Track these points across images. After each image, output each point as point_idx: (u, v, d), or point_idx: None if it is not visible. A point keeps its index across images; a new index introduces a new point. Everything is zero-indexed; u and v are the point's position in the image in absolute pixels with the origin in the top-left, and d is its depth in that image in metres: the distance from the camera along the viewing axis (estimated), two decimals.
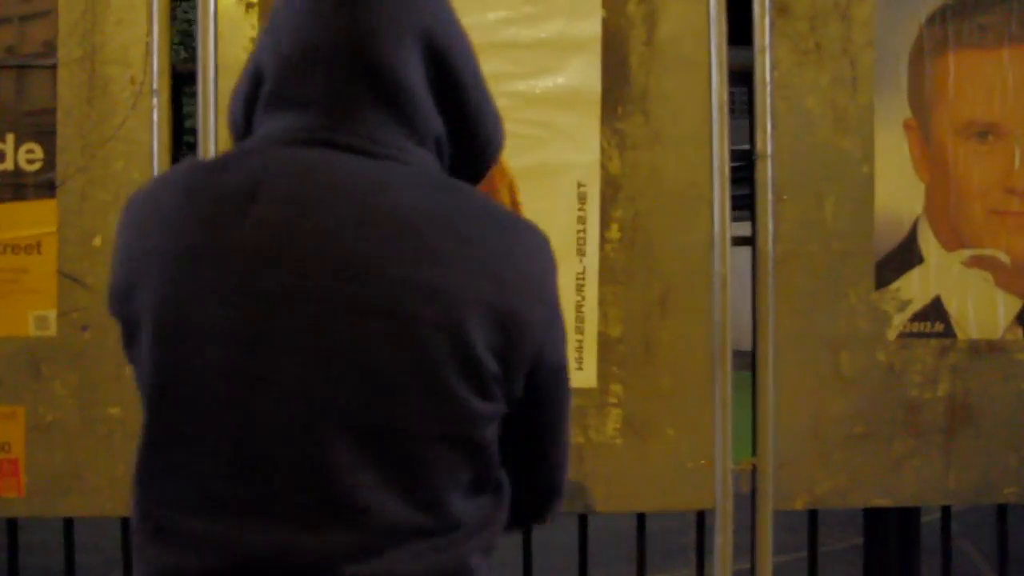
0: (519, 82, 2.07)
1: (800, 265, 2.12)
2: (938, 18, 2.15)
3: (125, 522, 2.11)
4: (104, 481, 2.05)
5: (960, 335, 2.17)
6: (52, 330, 2.04)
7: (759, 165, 2.10)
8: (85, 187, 2.05)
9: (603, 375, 2.09)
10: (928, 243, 2.16)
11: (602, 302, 2.10)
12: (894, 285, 2.16)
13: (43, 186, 2.02)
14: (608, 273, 2.09)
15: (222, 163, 1.01)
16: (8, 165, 2.02)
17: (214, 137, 2.01)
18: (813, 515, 2.21)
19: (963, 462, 2.18)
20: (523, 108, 2.08)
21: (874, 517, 2.40)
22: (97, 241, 2.05)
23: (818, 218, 2.13)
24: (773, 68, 2.10)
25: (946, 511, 2.33)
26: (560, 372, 1.08)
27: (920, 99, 2.15)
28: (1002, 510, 2.27)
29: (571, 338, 2.08)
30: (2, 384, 2.04)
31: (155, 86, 2.03)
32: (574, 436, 2.08)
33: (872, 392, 2.14)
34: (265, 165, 0.97)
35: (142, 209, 1.01)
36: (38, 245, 2.03)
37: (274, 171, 0.96)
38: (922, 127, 2.15)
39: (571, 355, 2.01)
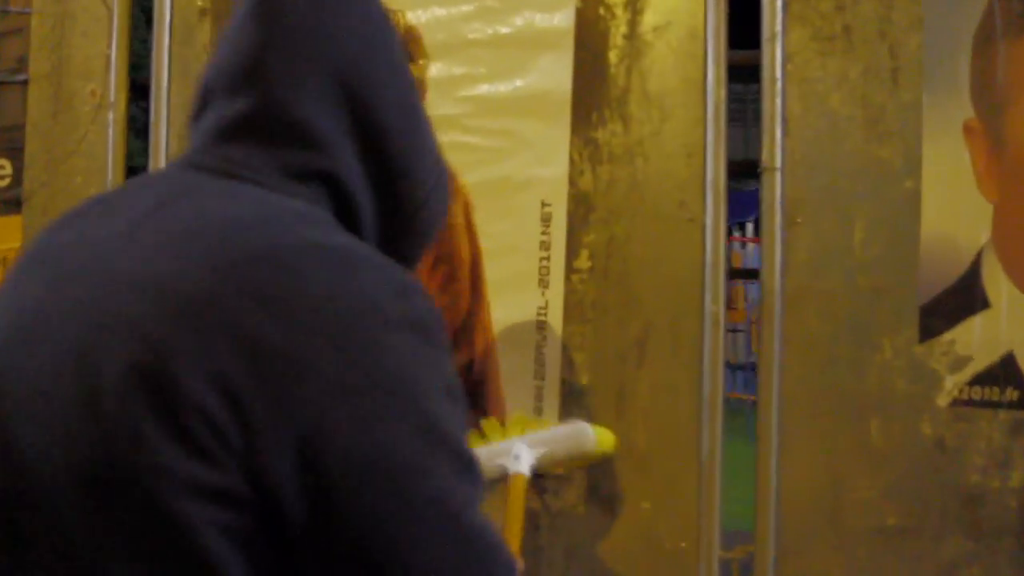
0: (478, 85, 1.78)
1: (818, 305, 1.66)
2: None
3: None
4: None
5: None
6: None
7: (766, 180, 1.66)
8: (47, 202, 2.00)
9: None
10: (997, 282, 1.61)
11: (567, 344, 1.75)
12: (947, 336, 1.62)
13: (10, 202, 2.01)
14: (575, 309, 1.76)
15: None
16: None
17: (165, 146, 1.89)
18: None
19: None
20: (481, 115, 1.79)
21: None
22: None
23: (843, 246, 1.65)
24: (786, 60, 1.67)
25: None
26: (400, 481, 0.75)
27: (988, 95, 1.62)
28: None
29: (530, 385, 1.75)
30: None
31: (112, 99, 1.95)
32: (535, 503, 1.75)
33: (914, 474, 1.62)
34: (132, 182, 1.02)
35: None
36: (3, 261, 2.01)
37: (131, 184, 1.01)
38: (990, 131, 1.61)
39: (530, 403, 1.73)
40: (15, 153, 2.01)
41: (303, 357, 0.74)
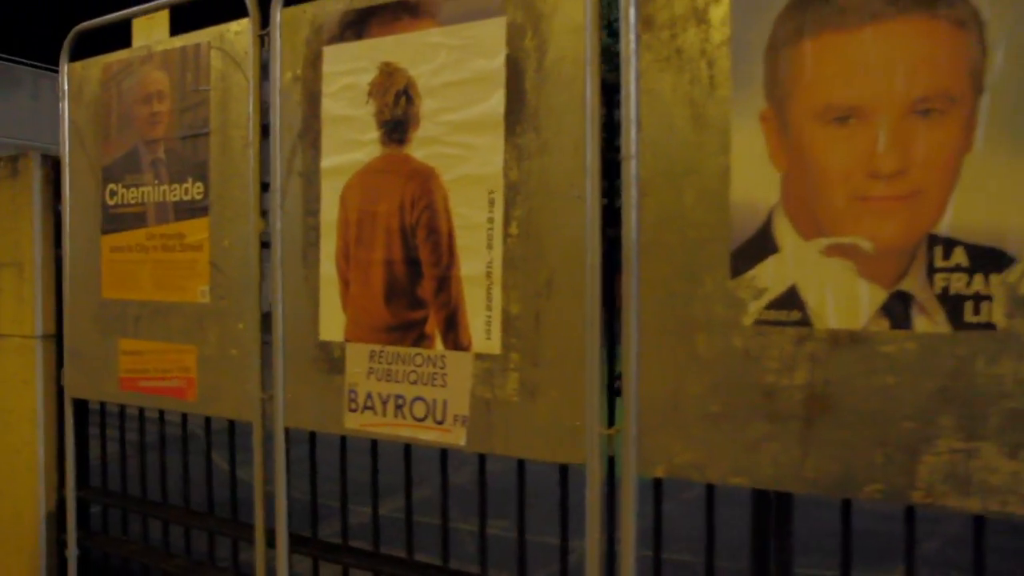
0: (449, 114, 2.17)
1: (660, 254, 1.88)
2: (794, 7, 1.78)
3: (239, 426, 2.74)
4: (234, 394, 2.67)
5: (818, 324, 1.77)
6: (208, 299, 2.73)
7: (625, 165, 1.94)
8: (221, 208, 2.70)
9: (505, 344, 2.09)
10: (784, 232, 1.79)
11: (505, 285, 2.10)
12: (749, 273, 1.83)
13: (202, 209, 2.72)
14: (509, 261, 2.09)
15: None
16: (189, 196, 2.76)
17: (280, 164, 2.53)
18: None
19: (822, 453, 1.77)
20: (453, 134, 2.20)
21: (760, 499, 2.02)
22: (226, 242, 2.69)
23: (677, 210, 1.87)
24: (639, 77, 1.95)
25: (847, 504, 1.89)
26: None
27: (776, 89, 1.78)
28: (846, 504, 1.82)
29: (482, 314, 2.19)
30: (184, 332, 2.80)
31: (251, 140, 2.61)
32: (486, 393, 2.17)
33: (728, 375, 1.82)
34: None
35: None
36: (201, 245, 2.74)
37: None
38: (778, 117, 1.77)
39: (483, 327, 2.16)
40: (205, 177, 2.72)
41: None
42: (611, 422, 2.04)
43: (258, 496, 2.61)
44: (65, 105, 3.03)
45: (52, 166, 3.26)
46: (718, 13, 1.85)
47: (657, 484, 2.08)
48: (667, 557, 2.20)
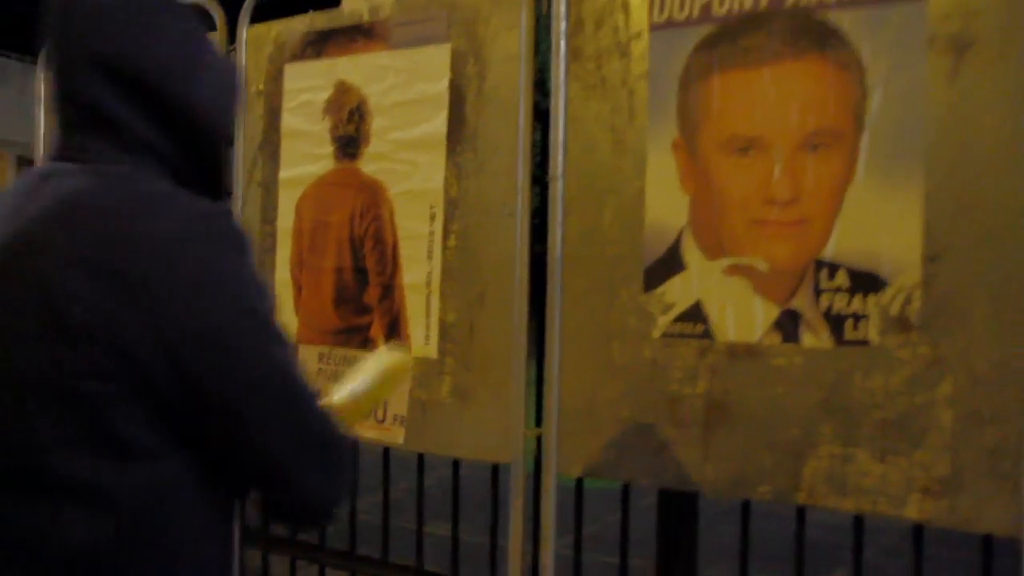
0: (397, 132, 2.36)
1: (582, 268, 2.06)
2: (705, 46, 1.97)
3: None
4: None
5: (719, 338, 1.95)
6: None
7: (552, 185, 2.12)
8: None
9: (442, 349, 2.27)
10: (691, 252, 1.97)
11: (443, 294, 2.28)
12: (659, 289, 2.01)
13: None
14: (447, 272, 2.27)
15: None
16: None
17: (241, 164, 2.72)
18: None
19: (720, 456, 1.95)
20: (399, 151, 2.37)
21: (669, 498, 2.21)
22: None
23: (598, 228, 2.05)
24: (567, 104, 2.13)
25: (746, 504, 2.08)
26: (228, 345, 0.94)
27: (687, 120, 1.97)
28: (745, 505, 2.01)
29: (422, 320, 2.38)
30: None
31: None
32: (422, 395, 2.36)
33: (638, 382, 2.00)
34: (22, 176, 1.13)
35: None
36: None
37: (16, 182, 1.11)
38: (688, 145, 1.96)
39: (423, 333, 2.35)
40: None
41: (152, 272, 0.92)
42: (539, 424, 2.22)
43: None
44: (40, 109, 3.20)
45: (29, 166, 3.43)
46: (639, 47, 2.04)
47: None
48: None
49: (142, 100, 1.04)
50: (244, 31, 2.66)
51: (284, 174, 2.62)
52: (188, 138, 1.06)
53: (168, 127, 1.05)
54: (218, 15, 2.71)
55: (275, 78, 2.63)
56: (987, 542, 1.86)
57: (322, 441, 0.99)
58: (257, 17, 2.65)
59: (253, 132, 2.67)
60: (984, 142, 1.70)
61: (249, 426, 0.95)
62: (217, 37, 2.74)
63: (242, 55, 2.67)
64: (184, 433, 0.93)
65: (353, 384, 1.40)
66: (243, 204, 2.68)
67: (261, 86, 2.66)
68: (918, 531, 1.93)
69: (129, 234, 0.93)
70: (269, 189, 2.64)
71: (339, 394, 1.35)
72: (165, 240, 0.94)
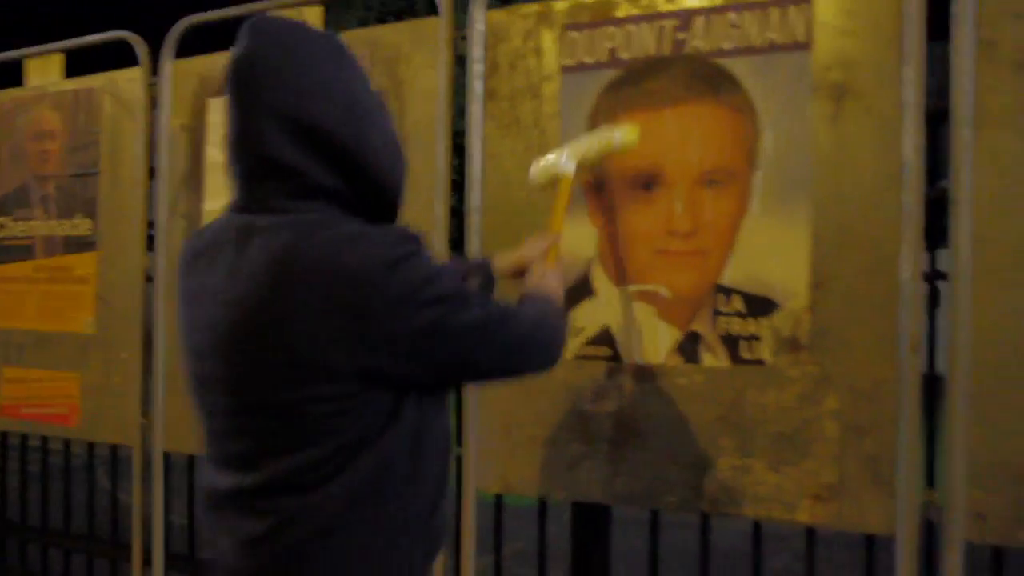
0: None
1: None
2: (612, 88, 2.13)
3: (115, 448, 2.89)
4: (116, 420, 2.84)
5: (626, 359, 2.10)
6: (93, 329, 2.93)
7: (470, 218, 2.26)
8: (108, 245, 2.92)
9: None
10: (600, 280, 2.10)
11: None
12: (571, 314, 2.16)
13: (90, 244, 2.92)
14: None
15: (207, 225, 1.29)
16: (77, 232, 2.96)
17: (165, 203, 2.77)
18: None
19: (629, 470, 2.09)
20: None
21: (581, 512, 2.35)
22: (112, 276, 2.89)
23: None
24: (484, 142, 2.27)
25: (655, 514, 2.22)
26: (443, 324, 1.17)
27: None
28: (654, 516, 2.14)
29: None
30: (69, 360, 2.98)
31: (140, 181, 2.84)
32: None
33: (552, 403, 2.12)
34: (216, 228, 1.24)
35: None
36: (88, 279, 2.94)
37: (215, 233, 1.23)
38: (596, 181, 2.13)
39: None
40: (93, 214, 2.85)
41: (356, 288, 1.09)
42: (459, 444, 2.32)
43: (136, 517, 2.79)
44: None
45: None
46: (550, 89, 2.19)
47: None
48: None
49: (321, 149, 1.15)
50: (168, 66, 2.72)
51: (208, 206, 2.67)
52: (364, 183, 1.20)
53: (345, 173, 1.18)
54: (141, 49, 2.76)
55: (199, 112, 2.69)
56: (869, 541, 2.03)
57: (525, 340, 1.29)
58: (182, 52, 2.70)
59: (177, 164, 2.71)
60: (862, 181, 1.88)
61: (480, 367, 1.25)
62: (140, 72, 2.79)
63: (165, 89, 2.72)
64: (428, 395, 1.21)
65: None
66: (167, 235, 2.72)
67: (186, 120, 2.71)
68: (811, 534, 2.10)
69: (340, 273, 1.10)
70: (193, 221, 2.69)
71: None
72: (370, 271, 1.11)
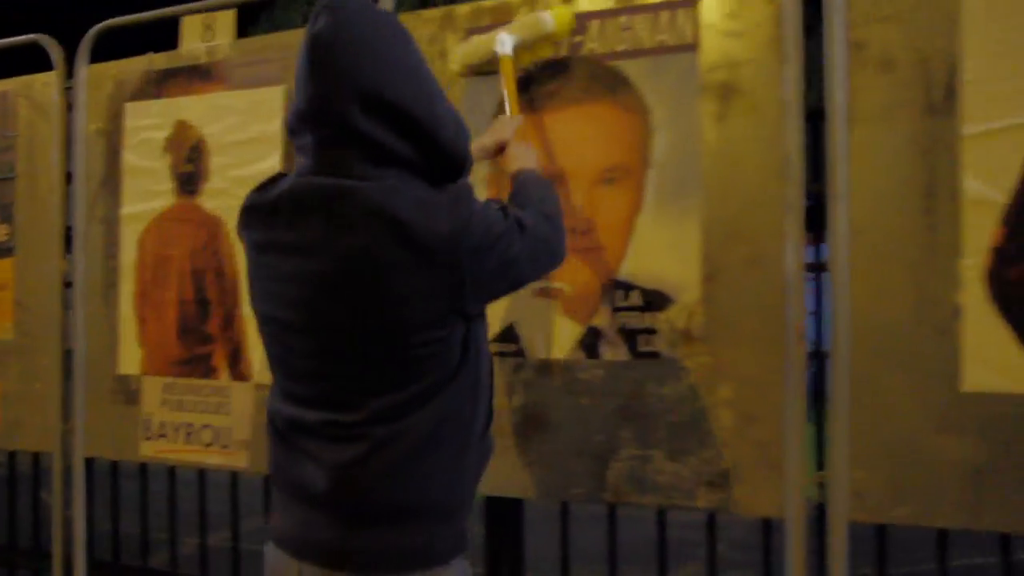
0: (235, 170, 2.48)
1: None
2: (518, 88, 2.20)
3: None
4: (36, 427, 2.83)
5: (531, 355, 2.16)
6: (12, 335, 2.92)
7: None
8: (26, 250, 2.91)
9: None
10: None
11: None
12: None
13: (8, 250, 2.91)
14: None
15: (271, 183, 1.37)
16: None
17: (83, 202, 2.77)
18: None
19: (537, 463, 2.14)
20: (237, 187, 2.46)
21: (494, 505, 2.41)
22: (31, 282, 2.89)
23: None
24: None
25: (565, 507, 2.28)
26: (504, 257, 1.35)
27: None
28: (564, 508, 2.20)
29: (262, 348, 2.48)
30: None
31: (56, 186, 2.84)
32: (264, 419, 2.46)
33: None
34: (288, 189, 1.31)
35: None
36: (6, 284, 2.92)
37: (293, 194, 1.30)
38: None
39: (261, 360, 2.44)
40: (11, 219, 2.85)
41: (449, 248, 1.24)
42: None
43: (56, 524, 2.79)
44: None
45: None
46: (455, 92, 2.23)
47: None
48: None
49: (397, 121, 1.26)
50: (83, 70, 2.72)
51: (126, 210, 2.68)
52: (433, 151, 1.31)
53: (417, 143, 1.29)
54: (56, 53, 2.76)
55: (115, 117, 2.70)
56: (766, 526, 2.11)
57: (553, 234, 1.51)
58: (98, 55, 2.71)
59: (94, 169, 2.72)
60: (748, 177, 1.96)
61: (525, 279, 1.45)
62: (56, 75, 2.79)
63: (80, 94, 2.72)
64: (480, 319, 1.38)
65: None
66: (85, 240, 2.72)
67: (102, 124, 2.72)
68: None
69: (429, 232, 1.25)
70: (111, 225, 2.70)
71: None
72: (452, 231, 1.26)
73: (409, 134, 1.27)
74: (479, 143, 1.80)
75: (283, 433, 1.36)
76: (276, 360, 1.38)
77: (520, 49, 1.99)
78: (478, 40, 2.03)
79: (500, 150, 1.82)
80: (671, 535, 2.28)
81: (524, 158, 1.76)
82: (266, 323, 1.37)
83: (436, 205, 1.26)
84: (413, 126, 1.27)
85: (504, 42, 1.93)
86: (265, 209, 1.33)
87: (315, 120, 1.27)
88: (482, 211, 1.32)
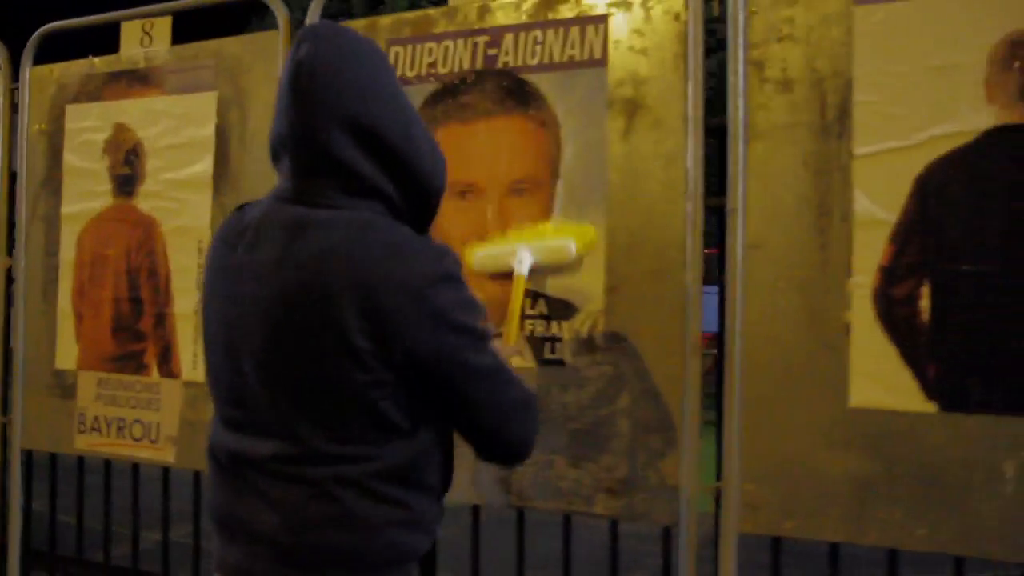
0: (169, 172, 2.52)
1: None
2: (430, 101, 2.23)
3: None
4: None
5: None
6: None
7: None
8: None
9: None
10: None
11: None
12: None
13: None
14: None
15: (249, 207, 1.34)
16: None
17: (25, 201, 2.82)
18: None
19: None
20: (171, 190, 2.53)
21: None
22: None
23: None
24: None
25: (476, 510, 2.32)
26: (456, 358, 1.22)
27: None
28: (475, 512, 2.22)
29: (191, 347, 2.53)
30: None
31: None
32: (191, 416, 2.51)
33: None
34: (260, 213, 1.29)
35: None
36: None
37: (262, 218, 1.27)
38: None
39: (191, 358, 2.49)
40: None
41: (397, 309, 1.16)
42: None
43: None
44: None
45: None
46: None
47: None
48: None
49: (376, 151, 1.23)
50: (27, 72, 2.77)
51: (66, 209, 2.73)
52: (411, 185, 1.27)
53: (395, 175, 1.25)
54: (1, 55, 2.80)
55: (57, 118, 2.75)
56: (666, 534, 2.14)
57: (518, 406, 1.31)
58: (41, 58, 2.76)
59: (37, 168, 2.77)
60: (651, 191, 1.99)
61: (470, 404, 1.27)
62: (0, 77, 2.83)
63: (25, 95, 2.77)
64: (426, 413, 1.26)
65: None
66: (27, 237, 2.77)
67: (44, 125, 2.76)
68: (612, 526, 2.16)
69: (388, 282, 1.18)
70: (52, 223, 2.75)
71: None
72: (414, 285, 1.19)
73: (386, 163, 1.24)
74: None
75: (225, 467, 1.30)
76: (221, 385, 1.32)
77: (538, 266, 1.91)
78: (500, 251, 1.97)
79: None
80: (625, 545, 2.30)
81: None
82: (212, 345, 1.32)
83: (408, 250, 1.21)
84: (390, 154, 1.24)
85: (523, 261, 1.87)
86: (235, 231, 1.30)
87: (294, 145, 1.25)
88: (462, 289, 1.25)
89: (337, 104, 1.21)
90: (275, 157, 1.30)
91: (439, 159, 1.31)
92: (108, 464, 2.78)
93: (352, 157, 1.22)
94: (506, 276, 1.90)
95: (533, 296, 2.09)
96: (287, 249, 1.21)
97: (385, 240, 1.20)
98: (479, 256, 2.02)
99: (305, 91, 1.22)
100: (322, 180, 1.23)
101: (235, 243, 1.28)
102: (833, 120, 1.86)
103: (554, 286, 2.07)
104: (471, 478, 2.13)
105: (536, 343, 2.08)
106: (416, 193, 1.28)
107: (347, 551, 1.24)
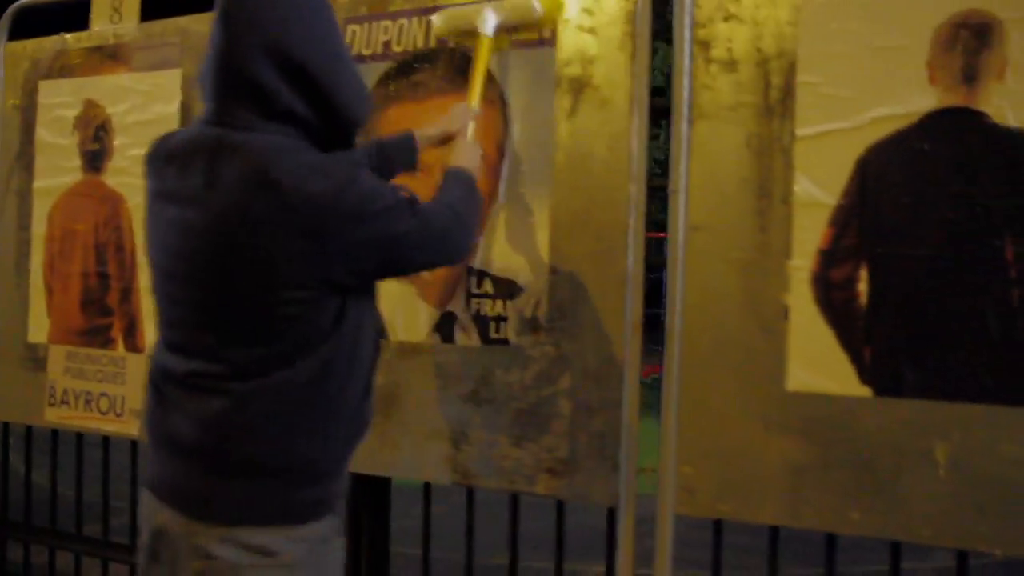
0: (135, 149, 2.51)
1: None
2: (385, 80, 2.23)
3: None
4: None
5: (392, 338, 2.21)
6: None
7: None
8: None
9: None
10: None
11: None
12: None
13: None
14: None
15: (175, 132, 1.48)
16: None
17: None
18: None
19: (395, 443, 2.17)
20: (137, 166, 2.54)
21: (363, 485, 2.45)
22: None
23: None
24: None
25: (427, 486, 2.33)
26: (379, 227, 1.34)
27: None
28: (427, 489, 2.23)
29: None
30: None
31: None
32: None
33: None
34: (187, 136, 1.38)
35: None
36: None
37: (188, 142, 1.36)
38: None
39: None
40: None
41: (315, 210, 1.25)
42: None
43: None
44: None
45: None
46: None
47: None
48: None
49: (297, 78, 1.30)
50: (1, 47, 2.80)
51: (38, 184, 2.76)
52: (330, 114, 1.34)
53: (314, 103, 1.32)
54: None
55: (31, 93, 2.77)
56: (611, 514, 2.13)
57: (452, 229, 1.46)
58: (15, 34, 2.78)
59: (10, 143, 2.80)
60: (595, 171, 1.98)
61: (413, 264, 1.52)
62: None
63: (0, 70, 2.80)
64: (366, 294, 1.42)
65: None
66: (0, 212, 2.81)
67: (18, 100, 2.79)
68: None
69: (305, 199, 1.26)
70: (24, 198, 2.78)
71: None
72: (328, 197, 1.28)
73: (305, 91, 1.31)
74: (425, 131, 1.80)
75: (156, 384, 1.39)
76: (158, 308, 1.42)
77: (501, 31, 1.87)
78: (465, 9, 1.93)
79: (445, 140, 1.77)
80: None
81: (464, 155, 1.69)
82: (152, 269, 1.42)
83: (315, 167, 1.28)
84: (310, 83, 1.31)
85: (487, 20, 1.83)
86: (162, 157, 1.38)
87: (218, 68, 1.31)
88: (366, 182, 1.34)
89: (261, 29, 1.28)
90: (201, 80, 1.35)
91: (361, 92, 1.39)
92: (80, 437, 2.82)
93: (270, 81, 1.28)
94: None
95: (479, 275, 2.09)
96: (211, 173, 1.28)
97: (300, 162, 1.27)
98: (441, 16, 1.97)
99: (232, 15, 1.29)
100: (243, 102, 1.29)
101: (163, 170, 1.36)
102: (776, 101, 1.83)
103: (499, 266, 2.07)
104: (417, 456, 2.14)
105: (483, 322, 2.08)
106: (335, 122, 1.35)
107: (264, 461, 1.32)
